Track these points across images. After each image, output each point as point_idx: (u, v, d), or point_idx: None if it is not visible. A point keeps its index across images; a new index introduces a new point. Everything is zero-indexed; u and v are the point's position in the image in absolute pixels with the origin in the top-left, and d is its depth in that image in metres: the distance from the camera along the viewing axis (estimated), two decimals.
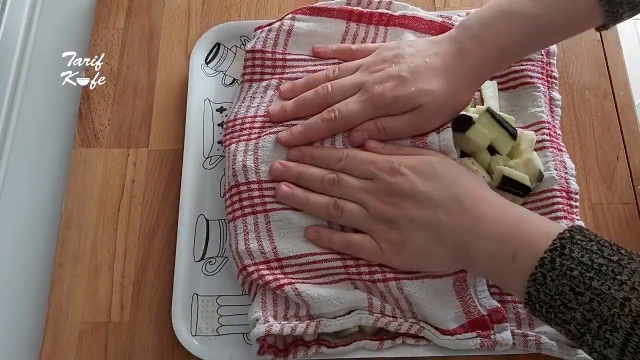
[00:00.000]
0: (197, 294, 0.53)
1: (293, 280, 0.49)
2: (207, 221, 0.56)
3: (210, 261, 0.54)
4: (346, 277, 0.49)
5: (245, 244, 0.50)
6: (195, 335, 0.51)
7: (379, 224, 0.48)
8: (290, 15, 0.59)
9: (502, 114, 0.53)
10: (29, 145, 0.56)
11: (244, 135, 0.54)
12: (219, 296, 0.53)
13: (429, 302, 0.48)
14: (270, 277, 0.49)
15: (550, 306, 0.39)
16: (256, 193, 0.51)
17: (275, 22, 0.60)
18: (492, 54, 0.49)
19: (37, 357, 0.52)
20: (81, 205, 0.58)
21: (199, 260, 0.54)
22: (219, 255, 0.55)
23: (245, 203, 0.51)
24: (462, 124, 0.52)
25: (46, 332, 0.53)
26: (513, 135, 0.52)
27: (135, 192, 0.58)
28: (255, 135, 0.54)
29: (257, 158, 0.52)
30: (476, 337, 0.47)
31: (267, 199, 0.51)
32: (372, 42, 0.58)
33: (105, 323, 0.53)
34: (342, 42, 0.59)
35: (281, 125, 0.54)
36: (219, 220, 0.56)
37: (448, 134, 0.50)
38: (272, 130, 0.54)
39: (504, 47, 0.49)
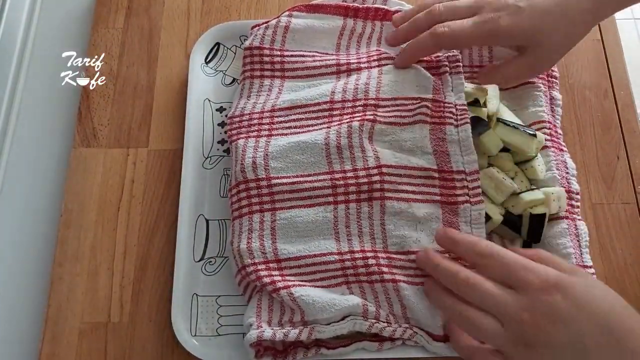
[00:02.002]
0: (196, 294, 0.53)
1: (289, 284, 0.49)
2: (207, 221, 0.56)
3: (210, 261, 0.54)
4: (343, 281, 0.49)
5: (248, 242, 0.50)
6: (195, 335, 0.51)
7: (516, 341, 0.41)
8: (287, 13, 0.60)
9: (511, 118, 0.54)
10: (28, 145, 0.56)
11: (253, 131, 0.54)
12: (219, 296, 0.53)
13: (424, 307, 0.48)
14: (267, 280, 0.49)
15: None
16: (265, 190, 0.51)
17: (272, 19, 0.60)
18: None
19: (37, 357, 0.52)
20: (81, 205, 0.58)
21: (199, 260, 0.54)
22: (218, 255, 0.54)
23: (253, 200, 0.51)
24: (476, 127, 0.51)
25: (46, 332, 0.53)
26: (533, 135, 0.52)
27: (134, 192, 0.58)
28: (266, 132, 0.54)
29: (267, 155, 0.52)
30: None
31: (276, 197, 0.51)
32: (369, 38, 0.59)
33: (104, 323, 0.53)
34: (339, 38, 0.59)
35: (291, 122, 0.54)
36: (218, 220, 0.56)
37: (467, 131, 0.51)
38: (283, 126, 0.54)
39: None
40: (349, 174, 0.51)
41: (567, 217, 0.52)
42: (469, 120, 0.51)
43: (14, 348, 0.53)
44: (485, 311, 0.42)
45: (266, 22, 0.60)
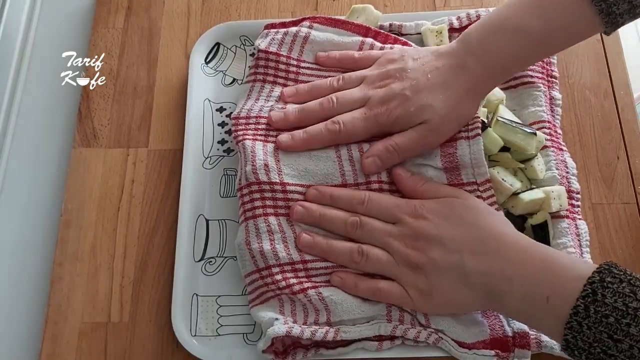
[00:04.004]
0: (196, 294, 0.53)
1: (317, 284, 0.49)
2: (207, 221, 0.56)
3: (210, 261, 0.54)
4: None
5: (271, 244, 0.50)
6: (195, 335, 0.51)
7: (406, 269, 0.47)
8: (307, 23, 0.59)
9: (511, 117, 0.54)
10: (28, 145, 0.56)
11: (260, 134, 0.54)
12: (219, 296, 0.53)
13: (451, 317, 0.48)
14: (294, 281, 0.49)
15: (590, 353, 0.39)
16: (280, 195, 0.51)
17: (289, 22, 0.59)
18: (491, 69, 0.49)
19: (37, 357, 0.52)
20: (81, 205, 0.58)
21: (199, 260, 0.54)
22: (218, 255, 0.54)
23: (268, 203, 0.51)
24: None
25: (46, 332, 0.53)
26: (533, 133, 0.52)
27: (134, 192, 0.58)
28: (272, 138, 0.54)
29: (278, 160, 0.52)
30: (494, 356, 0.47)
31: (291, 203, 0.51)
32: None
33: (104, 323, 0.53)
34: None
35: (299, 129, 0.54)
36: (218, 220, 0.56)
37: (479, 145, 0.50)
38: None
39: (502, 63, 0.49)
40: (362, 188, 0.52)
41: (567, 217, 0.52)
42: (480, 132, 0.50)
43: (14, 348, 0.53)
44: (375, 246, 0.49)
45: (283, 24, 0.59)
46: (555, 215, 0.51)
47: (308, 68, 0.57)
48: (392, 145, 0.50)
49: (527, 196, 0.51)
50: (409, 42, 0.58)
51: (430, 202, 0.49)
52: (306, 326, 0.48)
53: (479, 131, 0.50)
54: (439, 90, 0.49)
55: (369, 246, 0.49)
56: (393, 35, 0.59)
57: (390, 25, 0.60)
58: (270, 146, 0.53)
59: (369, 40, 0.58)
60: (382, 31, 0.59)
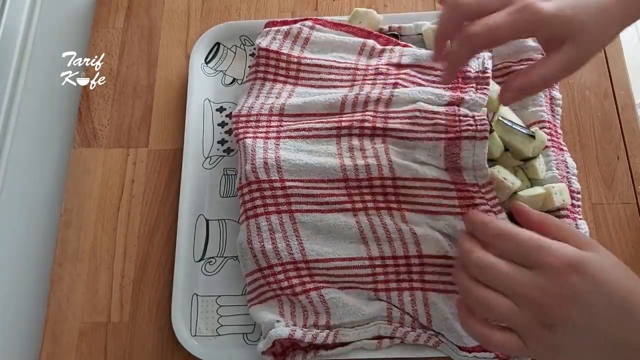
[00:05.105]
0: (196, 294, 0.53)
1: (319, 285, 0.49)
2: (207, 221, 0.56)
3: (210, 261, 0.54)
4: (372, 287, 0.49)
5: (273, 243, 0.50)
6: (195, 335, 0.51)
7: (532, 321, 0.40)
8: (309, 24, 0.59)
9: (512, 117, 0.54)
10: (28, 145, 0.56)
11: (261, 132, 0.54)
12: (219, 296, 0.53)
13: (452, 315, 0.48)
14: (297, 281, 0.49)
15: None
16: (280, 192, 0.51)
17: (290, 21, 0.59)
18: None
19: (37, 357, 0.52)
20: (81, 205, 0.58)
21: (199, 260, 0.54)
22: (218, 255, 0.54)
23: (268, 201, 0.51)
24: None
25: (46, 332, 0.53)
26: (531, 136, 0.52)
27: (134, 192, 0.58)
28: (274, 135, 0.54)
29: (278, 157, 0.52)
30: (494, 358, 0.47)
31: (292, 199, 0.51)
32: (389, 57, 0.58)
33: (104, 323, 0.53)
34: (359, 53, 0.58)
35: (300, 124, 0.54)
36: (218, 220, 0.56)
37: (484, 149, 0.49)
38: (291, 128, 0.54)
39: None
40: (364, 184, 0.51)
41: (568, 217, 0.52)
42: (487, 135, 0.50)
43: (14, 348, 0.53)
44: (499, 291, 0.41)
45: (284, 22, 0.59)
46: (556, 215, 0.51)
47: (309, 64, 0.57)
48: (534, 73, 0.44)
49: (527, 193, 0.51)
50: (409, 44, 0.59)
51: (582, 254, 0.41)
52: (307, 329, 0.48)
53: (487, 134, 0.50)
54: (592, 3, 0.42)
55: (492, 293, 0.41)
56: (394, 40, 0.59)
57: (390, 28, 0.60)
58: (271, 143, 0.53)
59: (371, 42, 0.58)
60: (383, 34, 0.59)
